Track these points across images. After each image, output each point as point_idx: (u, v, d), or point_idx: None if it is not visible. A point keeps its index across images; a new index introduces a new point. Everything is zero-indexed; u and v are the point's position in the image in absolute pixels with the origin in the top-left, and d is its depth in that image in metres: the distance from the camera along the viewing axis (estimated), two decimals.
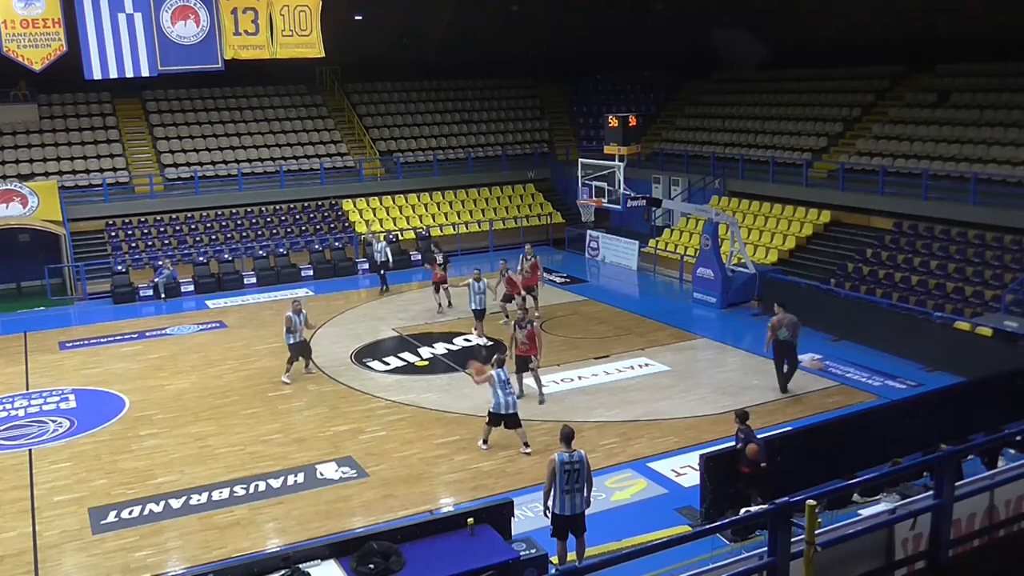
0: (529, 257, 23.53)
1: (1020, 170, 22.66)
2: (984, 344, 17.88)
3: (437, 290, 24.53)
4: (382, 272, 27.13)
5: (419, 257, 30.65)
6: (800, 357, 19.06)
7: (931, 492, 7.69)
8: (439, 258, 25.13)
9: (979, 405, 14.20)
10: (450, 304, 24.41)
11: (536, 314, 21.96)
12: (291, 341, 19.07)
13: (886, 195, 24.81)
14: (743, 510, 11.41)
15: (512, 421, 14.96)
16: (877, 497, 11.47)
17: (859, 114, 29.47)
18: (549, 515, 11.01)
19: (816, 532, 6.54)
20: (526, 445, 14.94)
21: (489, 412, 15.08)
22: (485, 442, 15.23)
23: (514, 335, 17.66)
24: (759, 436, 12.43)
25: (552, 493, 10.84)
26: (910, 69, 29.53)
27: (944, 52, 27.96)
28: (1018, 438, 12.27)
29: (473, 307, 21.68)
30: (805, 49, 32.41)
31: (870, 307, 21.17)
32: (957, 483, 7.61)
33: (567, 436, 10.97)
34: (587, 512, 11.08)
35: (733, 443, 12.48)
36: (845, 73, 31.45)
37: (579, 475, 10.76)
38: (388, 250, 27.28)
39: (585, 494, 10.95)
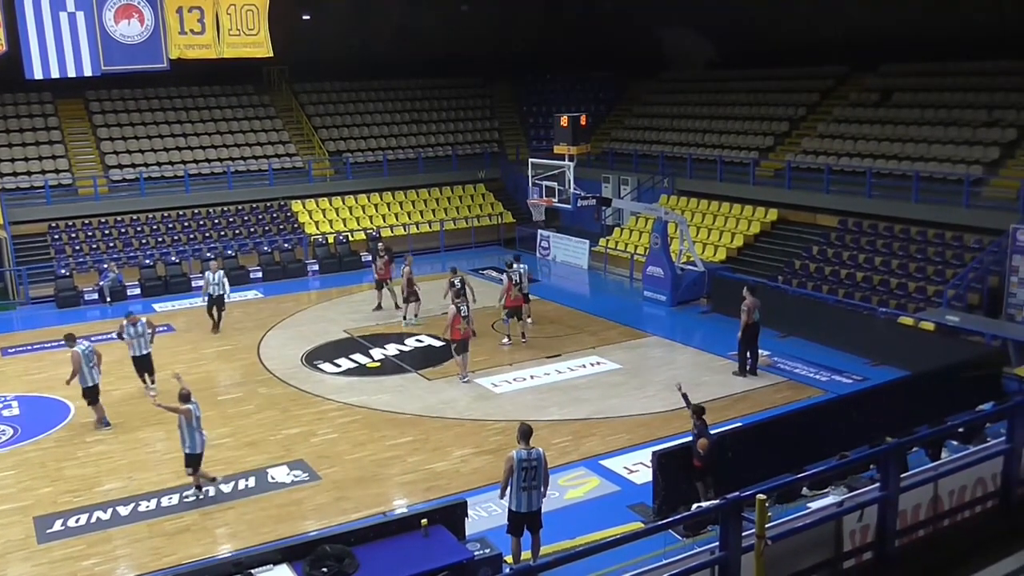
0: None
1: (960, 168, 23.17)
2: (927, 338, 18.27)
3: (380, 287, 24.46)
4: (214, 309, 22.84)
5: (368, 257, 30.50)
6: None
7: (877, 484, 7.85)
8: (383, 256, 24.78)
9: (923, 398, 14.54)
10: (397, 305, 24.20)
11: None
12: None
13: (831, 193, 25.23)
14: (694, 505, 11.53)
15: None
16: (825, 490, 11.71)
17: (804, 113, 29.92)
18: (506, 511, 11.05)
19: (766, 526, 6.63)
20: None
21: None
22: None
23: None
24: (712, 432, 12.58)
25: (509, 490, 10.88)
26: (853, 69, 30.05)
27: (886, 52, 28.49)
28: (960, 430, 12.58)
29: None
30: (751, 50, 32.84)
31: (817, 303, 21.51)
32: (902, 475, 7.76)
33: (525, 433, 11.00)
34: (542, 511, 11.11)
35: (690, 437, 12.59)
36: (790, 73, 31.92)
37: (536, 472, 10.84)
38: (226, 281, 22.89)
39: (542, 491, 11.01)
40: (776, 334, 21.01)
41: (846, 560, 7.49)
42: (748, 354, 18.46)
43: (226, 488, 14.06)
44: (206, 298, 22.79)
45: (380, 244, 27.95)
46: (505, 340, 21.11)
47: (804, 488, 11.99)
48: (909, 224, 23.12)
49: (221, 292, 22.59)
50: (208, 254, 29.26)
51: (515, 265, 21.78)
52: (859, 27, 28.51)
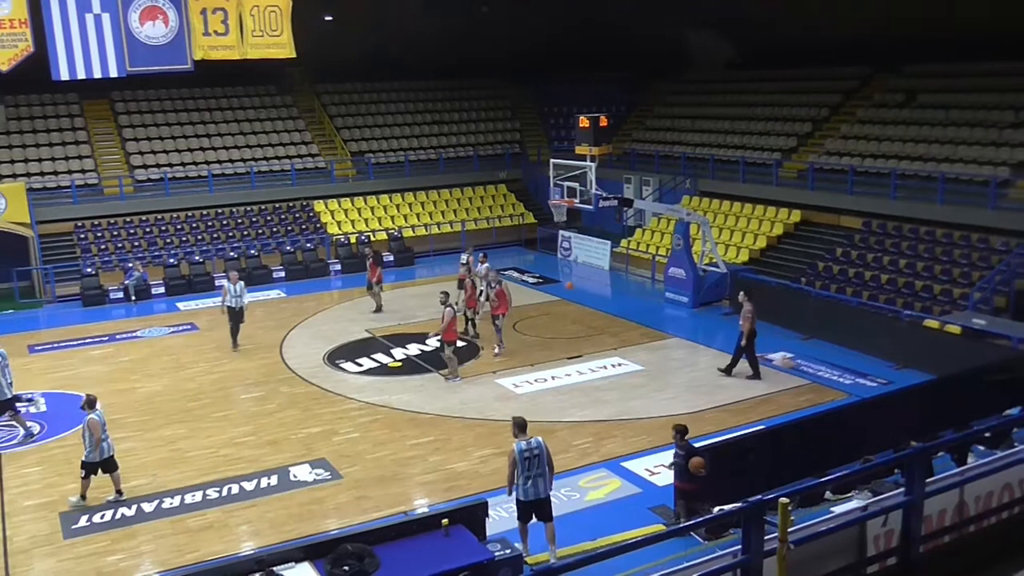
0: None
1: (986, 169, 22.97)
2: (953, 342, 18.09)
3: (369, 288, 24.62)
4: (234, 325, 21.72)
5: (391, 258, 30.62)
6: (771, 356, 19.32)
7: (902, 489, 7.78)
8: (370, 259, 24.96)
9: (948, 402, 14.39)
10: (379, 308, 24.49)
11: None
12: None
13: (855, 194, 25.06)
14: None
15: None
16: (849, 495, 11.60)
17: (827, 114, 29.74)
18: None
19: (789, 530, 6.60)
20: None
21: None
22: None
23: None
24: (712, 441, 12.36)
25: (515, 481, 11.16)
26: (877, 69, 29.84)
27: (911, 53, 28.27)
28: (987, 435, 12.45)
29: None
30: (774, 50, 32.67)
31: (840, 306, 21.37)
32: (927, 480, 7.70)
33: (521, 425, 11.37)
34: (562, 513, 11.17)
35: (711, 440, 12.50)
36: (813, 73, 31.74)
37: (539, 460, 11.16)
38: (245, 293, 21.96)
39: (548, 477, 11.27)
40: (799, 336, 20.92)
41: (870, 565, 7.45)
42: (745, 356, 18.38)
43: (248, 486, 14.14)
44: (225, 310, 21.43)
45: (367, 248, 27.71)
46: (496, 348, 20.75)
47: (827, 492, 11.91)
48: (934, 226, 22.92)
49: (241, 305, 21.45)
50: (232, 253, 29.44)
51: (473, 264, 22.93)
52: (883, 27, 28.28)
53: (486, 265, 23.27)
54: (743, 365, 18.41)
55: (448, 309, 18.74)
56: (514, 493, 11.35)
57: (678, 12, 31.65)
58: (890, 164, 25.13)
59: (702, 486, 11.91)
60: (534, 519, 11.42)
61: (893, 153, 25.65)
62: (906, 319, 19.78)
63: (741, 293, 18.83)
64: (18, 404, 16.69)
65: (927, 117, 26.37)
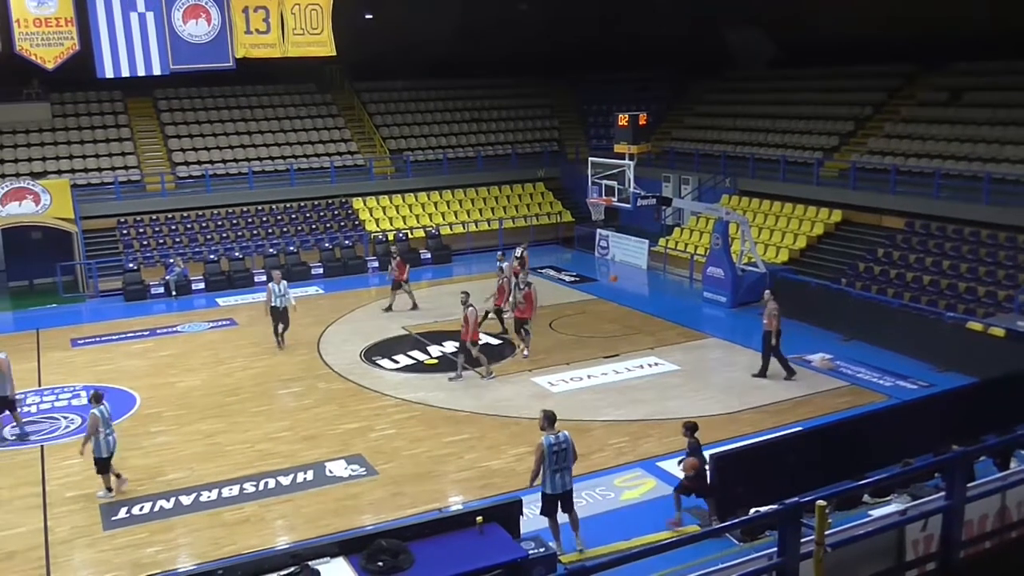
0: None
1: None
2: (996, 344, 17.78)
3: (396, 288, 24.53)
4: (279, 326, 21.39)
5: (428, 256, 30.70)
6: (810, 357, 19.14)
7: (942, 493, 7.65)
8: (396, 258, 24.80)
9: (991, 406, 14.12)
10: (413, 305, 24.50)
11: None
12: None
13: (898, 194, 24.71)
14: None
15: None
16: (888, 498, 11.45)
17: (870, 113, 29.36)
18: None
19: (826, 533, 6.51)
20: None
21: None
22: None
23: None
24: (748, 443, 12.39)
25: (541, 474, 11.40)
26: (921, 67, 29.41)
27: (956, 50, 27.81)
28: None
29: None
30: (815, 47, 32.26)
31: (881, 307, 21.07)
32: (969, 484, 7.57)
33: (550, 419, 11.56)
34: (597, 512, 11.18)
35: (747, 440, 12.45)
36: (856, 71, 31.32)
37: (566, 455, 11.41)
38: (290, 292, 21.65)
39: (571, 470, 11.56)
40: (839, 337, 20.67)
41: (908, 570, 7.34)
42: (775, 357, 18.33)
43: (285, 481, 14.25)
44: (269, 311, 21.19)
45: (394, 247, 27.41)
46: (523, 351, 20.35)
47: (866, 495, 11.76)
48: (979, 227, 22.52)
49: (286, 304, 21.15)
50: (271, 250, 29.68)
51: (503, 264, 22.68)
52: (928, 24, 27.85)
53: (508, 263, 23.14)
54: (776, 366, 18.24)
55: (471, 309, 18.75)
56: (540, 486, 11.51)
57: (720, 10, 31.44)
58: (934, 163, 24.74)
59: (698, 485, 12.16)
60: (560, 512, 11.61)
61: (937, 152, 25.26)
62: (949, 321, 19.46)
63: (767, 292, 18.76)
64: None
65: (972, 116, 25.94)
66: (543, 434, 11.41)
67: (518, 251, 25.02)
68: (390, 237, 31.34)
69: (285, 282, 21.66)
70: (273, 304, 21.10)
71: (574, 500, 11.79)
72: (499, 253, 24.58)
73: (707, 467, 12.20)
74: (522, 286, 20.62)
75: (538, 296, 21.22)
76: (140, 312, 25.59)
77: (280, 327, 21.35)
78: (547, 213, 34.80)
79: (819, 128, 29.97)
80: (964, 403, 14.54)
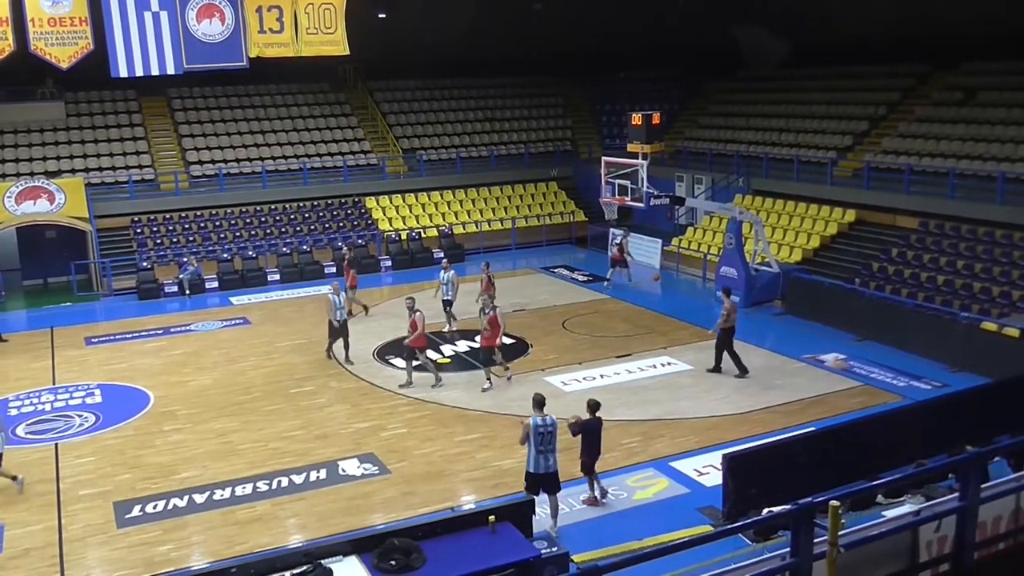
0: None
1: None
2: (1011, 345, 17.68)
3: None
4: (336, 342, 20.31)
5: (441, 255, 30.72)
6: (824, 357, 19.09)
7: (956, 494, 7.61)
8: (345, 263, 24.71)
9: (1006, 406, 14.04)
10: (364, 310, 24.06)
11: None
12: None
13: (912, 194, 24.60)
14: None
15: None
16: (901, 499, 11.38)
17: (884, 112, 29.23)
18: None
19: (839, 533, 6.48)
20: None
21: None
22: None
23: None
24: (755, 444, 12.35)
25: (527, 453, 11.97)
26: (935, 67, 29.26)
27: (970, 50, 27.67)
28: None
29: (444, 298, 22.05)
30: (829, 47, 32.17)
31: (895, 307, 20.99)
32: (983, 485, 7.52)
33: (539, 402, 12.17)
34: (609, 512, 11.21)
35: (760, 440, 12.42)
36: (870, 71, 31.20)
37: (552, 437, 11.95)
38: (346, 302, 20.86)
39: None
40: (852, 337, 20.60)
41: (922, 571, 7.29)
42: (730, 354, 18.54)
43: (298, 479, 14.29)
44: (334, 325, 20.03)
45: (348, 254, 26.16)
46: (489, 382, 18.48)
47: (879, 496, 11.70)
48: (993, 227, 22.40)
49: (345, 317, 20.17)
50: (284, 249, 29.76)
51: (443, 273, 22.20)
52: (942, 23, 27.71)
53: (452, 272, 22.20)
54: (729, 363, 18.60)
55: (418, 313, 18.29)
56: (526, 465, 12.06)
57: (734, 10, 31.35)
58: (948, 163, 24.62)
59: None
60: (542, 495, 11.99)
61: (951, 152, 25.13)
62: (963, 321, 19.36)
63: (723, 290, 19.39)
64: None
65: (987, 116, 25.80)
66: (532, 415, 11.99)
67: (485, 270, 23.09)
68: (403, 236, 31.38)
69: (344, 293, 20.14)
70: (337, 319, 19.89)
71: (559, 484, 12.21)
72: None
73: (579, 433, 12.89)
74: (487, 310, 18.39)
75: (504, 321, 18.81)
76: (154, 311, 25.71)
77: (339, 342, 20.16)
78: (560, 212, 34.79)
79: (833, 128, 29.86)
80: (978, 403, 14.46)
